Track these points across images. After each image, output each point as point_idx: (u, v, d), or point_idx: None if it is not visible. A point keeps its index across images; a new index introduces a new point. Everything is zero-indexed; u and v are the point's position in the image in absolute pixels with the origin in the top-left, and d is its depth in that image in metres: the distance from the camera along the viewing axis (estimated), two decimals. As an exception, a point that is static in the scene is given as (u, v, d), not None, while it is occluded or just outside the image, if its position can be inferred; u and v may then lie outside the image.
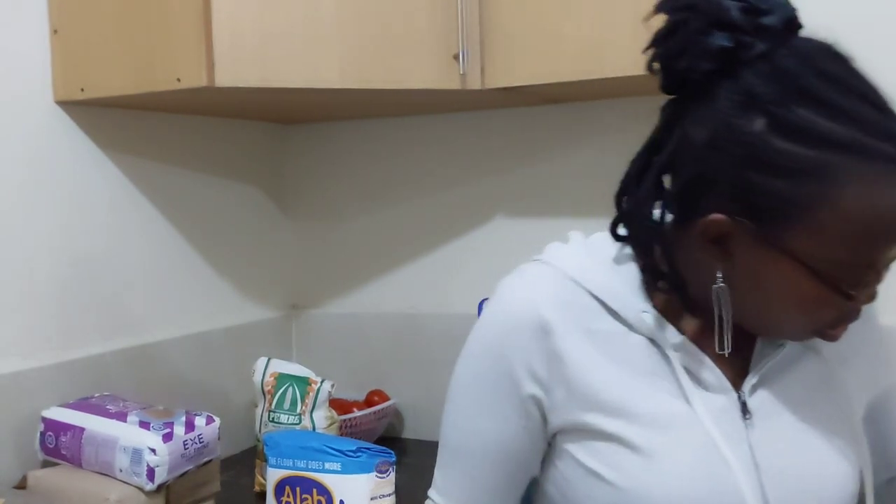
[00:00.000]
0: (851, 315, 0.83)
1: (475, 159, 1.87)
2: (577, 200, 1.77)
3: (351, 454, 1.31)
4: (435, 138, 1.90)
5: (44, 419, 1.41)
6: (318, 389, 1.57)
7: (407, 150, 1.93)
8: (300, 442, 1.36)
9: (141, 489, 1.32)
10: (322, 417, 1.57)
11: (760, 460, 0.86)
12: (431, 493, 1.00)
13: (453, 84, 1.48)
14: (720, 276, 0.83)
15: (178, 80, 1.39)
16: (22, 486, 1.37)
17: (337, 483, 1.30)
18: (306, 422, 1.56)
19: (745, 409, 0.88)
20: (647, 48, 0.87)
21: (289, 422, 1.57)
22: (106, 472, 1.35)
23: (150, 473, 1.30)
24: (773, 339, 0.90)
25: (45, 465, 1.42)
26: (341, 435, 1.64)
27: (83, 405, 1.42)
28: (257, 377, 1.63)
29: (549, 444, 0.93)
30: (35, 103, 1.49)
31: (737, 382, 0.88)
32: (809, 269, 0.77)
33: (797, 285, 0.79)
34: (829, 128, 0.75)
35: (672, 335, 0.87)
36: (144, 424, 1.34)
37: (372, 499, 1.30)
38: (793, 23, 0.85)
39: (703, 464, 0.84)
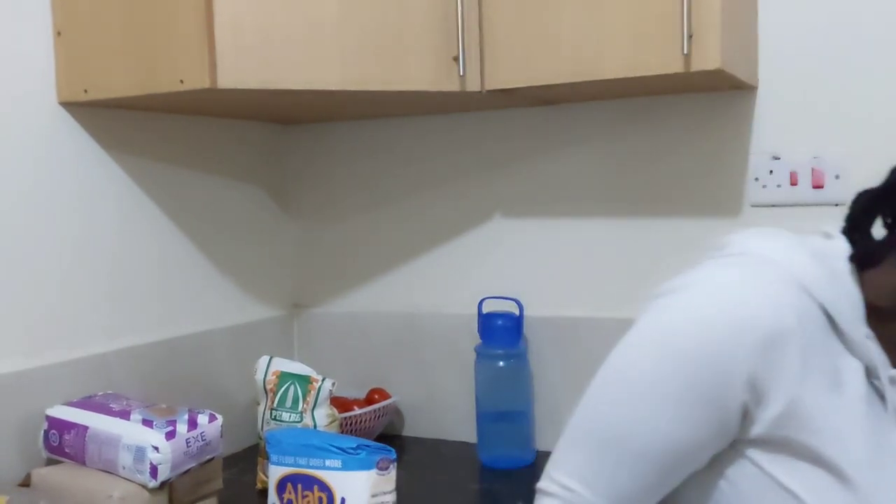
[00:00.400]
0: None
1: (475, 160, 1.87)
2: (576, 201, 1.78)
3: (352, 451, 1.32)
4: (435, 139, 1.91)
5: (47, 417, 1.42)
6: (320, 388, 1.58)
7: (407, 150, 1.94)
8: (302, 439, 1.37)
9: (144, 486, 1.32)
10: (323, 415, 1.58)
11: None
12: (567, 479, 0.90)
13: (453, 86, 1.49)
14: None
15: (181, 81, 1.40)
16: (26, 483, 1.38)
17: (338, 480, 1.31)
18: (308, 420, 1.57)
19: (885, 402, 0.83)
20: None
21: (290, 420, 1.58)
22: (109, 470, 1.35)
23: (153, 471, 1.31)
24: None
25: (49, 462, 1.43)
26: (342, 433, 1.65)
27: (87, 403, 1.43)
28: (259, 375, 1.64)
29: (729, 451, 0.87)
30: (39, 104, 1.50)
31: None
32: None
33: None
34: None
35: (888, 367, 0.83)
36: (147, 422, 1.35)
37: (373, 496, 1.31)
38: None
39: None
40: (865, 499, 0.79)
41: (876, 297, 0.84)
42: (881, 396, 0.82)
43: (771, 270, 0.83)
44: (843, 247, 0.88)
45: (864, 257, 0.85)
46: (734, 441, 0.85)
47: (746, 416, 0.83)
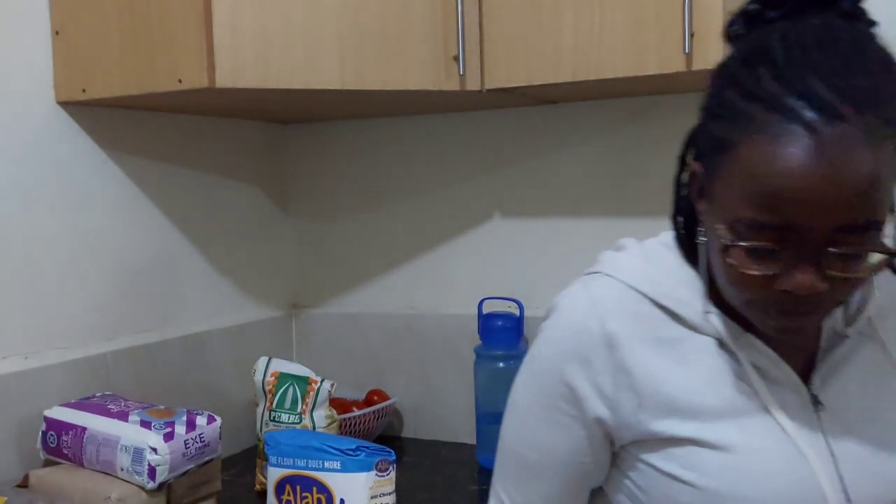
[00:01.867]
0: (776, 300, 0.79)
1: (474, 159, 1.87)
2: (576, 200, 1.78)
3: (350, 453, 1.31)
4: (434, 138, 1.91)
5: (45, 418, 1.41)
6: (319, 389, 1.58)
7: (407, 150, 1.94)
8: (300, 441, 1.36)
9: (142, 488, 1.32)
10: (322, 417, 1.57)
11: (836, 450, 0.86)
12: (501, 492, 1.00)
13: (452, 85, 1.49)
14: (701, 230, 0.86)
15: (180, 80, 1.39)
16: (24, 485, 1.38)
17: (337, 482, 1.31)
18: (307, 421, 1.56)
19: (816, 402, 0.87)
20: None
21: (289, 421, 1.57)
22: (107, 472, 1.35)
23: (152, 472, 1.31)
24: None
25: (47, 464, 1.43)
26: (341, 434, 1.64)
27: (85, 405, 1.43)
28: (258, 376, 1.63)
29: (615, 455, 0.93)
30: (37, 104, 1.49)
31: (805, 377, 0.88)
32: (726, 226, 0.78)
33: (718, 247, 0.80)
34: (764, 85, 0.75)
35: (737, 334, 0.87)
36: (146, 424, 1.35)
37: (372, 497, 1.31)
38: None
39: (780, 457, 0.84)
40: (737, 458, 0.85)
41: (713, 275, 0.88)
42: (739, 364, 0.87)
43: (605, 281, 0.91)
44: (672, 238, 0.96)
45: (682, 246, 0.92)
46: (620, 448, 0.92)
47: (606, 428, 0.90)
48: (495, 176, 1.85)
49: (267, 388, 1.61)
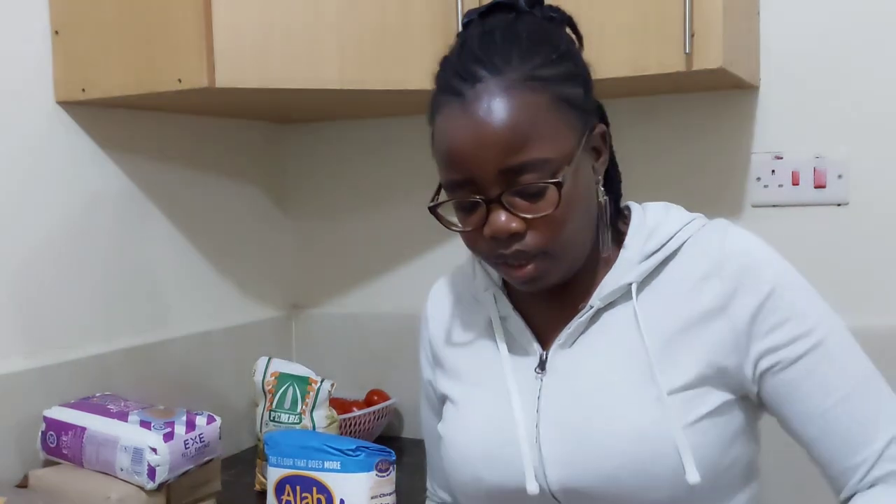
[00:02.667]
0: (493, 251, 0.92)
1: (475, 159, 1.87)
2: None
3: (350, 453, 1.31)
4: (435, 138, 1.90)
5: (45, 419, 1.41)
6: (319, 389, 1.58)
7: (406, 150, 1.94)
8: (300, 441, 1.36)
9: (142, 488, 1.32)
10: (322, 417, 1.57)
11: (542, 410, 0.94)
12: (427, 480, 1.19)
13: (453, 85, 1.48)
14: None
15: (179, 80, 1.39)
16: (23, 485, 1.38)
17: (337, 482, 1.30)
18: (306, 421, 1.56)
19: (542, 366, 0.97)
20: None
21: (289, 421, 1.57)
22: (107, 472, 1.35)
23: (151, 473, 1.31)
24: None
25: (47, 464, 1.43)
26: (341, 434, 1.64)
27: (84, 405, 1.43)
28: (258, 377, 1.63)
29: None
30: (36, 103, 1.49)
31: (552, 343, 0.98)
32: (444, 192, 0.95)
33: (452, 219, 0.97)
34: (442, 75, 0.93)
35: (504, 306, 1.01)
36: (145, 424, 1.35)
37: (372, 497, 1.30)
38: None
39: (495, 413, 0.96)
40: (464, 411, 1.01)
41: None
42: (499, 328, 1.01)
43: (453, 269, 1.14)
44: None
45: None
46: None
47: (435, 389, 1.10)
48: (495, 176, 1.85)
49: (267, 388, 1.61)
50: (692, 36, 1.33)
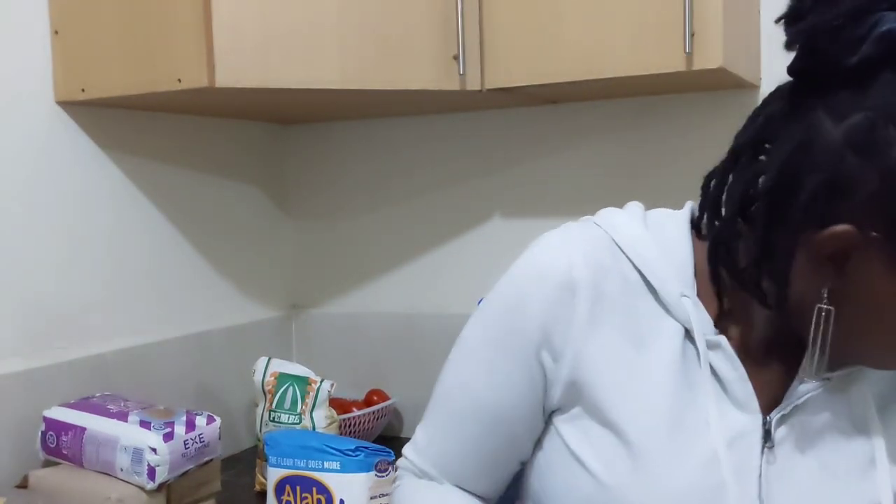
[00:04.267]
0: None
1: (474, 159, 1.87)
2: (576, 200, 1.77)
3: (350, 453, 1.31)
4: (434, 138, 1.90)
5: (45, 419, 1.41)
6: (318, 389, 1.58)
7: (407, 150, 1.94)
8: (300, 441, 1.36)
9: (142, 488, 1.32)
10: (322, 417, 1.57)
11: (768, 498, 0.76)
12: (407, 449, 0.96)
13: (453, 85, 1.48)
14: (826, 294, 0.72)
15: (179, 80, 1.39)
16: (23, 485, 1.38)
17: (336, 482, 1.30)
18: (306, 421, 1.56)
19: (767, 437, 0.77)
20: (792, 19, 0.73)
21: (289, 421, 1.57)
22: (107, 472, 1.35)
23: (151, 473, 1.31)
24: (860, 365, 0.78)
25: (47, 464, 1.43)
26: (341, 434, 1.64)
27: (84, 405, 1.43)
28: (258, 377, 1.63)
29: (546, 425, 0.85)
30: (36, 103, 1.49)
31: (766, 407, 0.78)
32: None
33: None
34: None
35: (709, 329, 0.78)
36: (145, 424, 1.35)
37: (372, 498, 1.31)
38: None
39: (698, 483, 0.75)
40: (651, 467, 0.75)
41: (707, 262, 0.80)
42: (699, 363, 0.78)
43: (587, 230, 0.83)
44: (685, 215, 0.86)
45: (714, 230, 0.80)
46: (551, 415, 0.84)
47: (545, 377, 0.82)
48: (495, 176, 1.85)
49: (267, 388, 1.61)
50: (692, 35, 1.33)
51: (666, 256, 0.81)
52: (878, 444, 0.76)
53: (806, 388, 0.77)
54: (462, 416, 0.88)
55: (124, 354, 1.61)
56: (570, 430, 0.81)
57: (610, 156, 1.74)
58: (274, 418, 1.59)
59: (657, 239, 0.82)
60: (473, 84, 1.50)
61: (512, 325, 0.82)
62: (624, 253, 0.81)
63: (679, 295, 0.78)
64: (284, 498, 1.35)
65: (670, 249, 0.81)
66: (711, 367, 0.78)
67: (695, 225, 0.83)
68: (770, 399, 0.78)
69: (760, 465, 0.76)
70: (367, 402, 1.88)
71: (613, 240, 0.82)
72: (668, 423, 0.77)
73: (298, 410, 1.57)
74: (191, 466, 1.37)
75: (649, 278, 0.80)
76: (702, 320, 0.78)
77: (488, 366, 0.84)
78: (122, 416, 1.37)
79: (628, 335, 0.79)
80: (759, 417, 0.77)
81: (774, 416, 0.77)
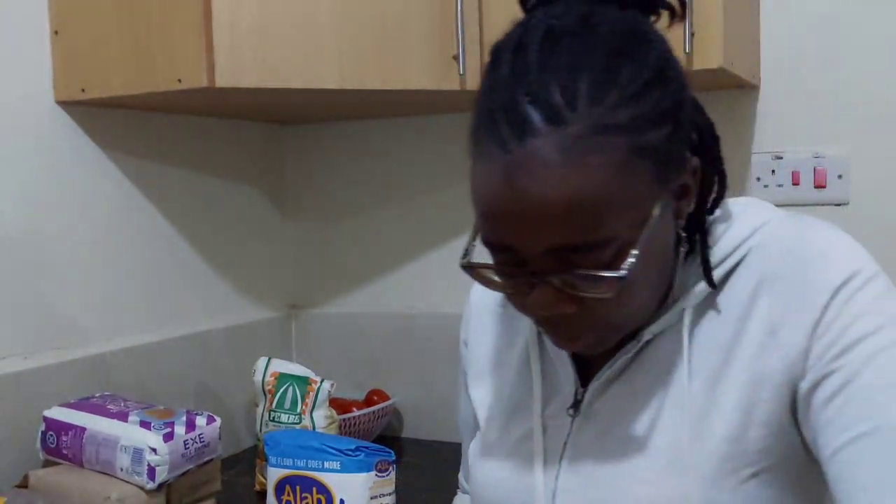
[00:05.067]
0: (523, 306, 0.74)
1: (475, 159, 1.87)
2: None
3: (350, 453, 1.31)
4: (434, 138, 1.90)
5: (45, 419, 1.41)
6: (318, 389, 1.58)
7: (406, 150, 1.94)
8: (300, 441, 1.36)
9: (142, 488, 1.32)
10: (322, 417, 1.57)
11: (566, 460, 0.81)
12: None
13: (452, 85, 1.48)
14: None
15: (179, 80, 1.39)
16: (23, 485, 1.38)
17: (337, 482, 1.30)
18: (306, 421, 1.56)
19: (576, 406, 0.82)
20: None
21: (289, 421, 1.57)
22: (107, 472, 1.35)
23: (151, 473, 1.31)
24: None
25: (47, 464, 1.43)
26: (341, 434, 1.64)
27: (84, 405, 1.43)
28: (258, 377, 1.63)
29: None
30: (36, 104, 1.49)
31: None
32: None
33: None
34: (489, 95, 0.72)
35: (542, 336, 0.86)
36: (145, 424, 1.35)
37: (372, 498, 1.31)
38: None
39: (514, 454, 0.84)
40: (484, 448, 0.88)
41: None
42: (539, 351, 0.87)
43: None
44: None
45: None
46: None
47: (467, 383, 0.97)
48: (495, 176, 1.85)
49: (267, 388, 1.61)
50: (692, 35, 1.33)
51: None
52: (667, 404, 0.77)
53: (621, 358, 0.80)
54: (461, 432, 1.05)
55: (124, 354, 1.60)
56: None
57: (610, 156, 1.74)
58: (274, 418, 1.59)
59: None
60: (473, 84, 1.49)
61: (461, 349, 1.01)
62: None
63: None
64: (284, 498, 1.35)
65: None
66: (543, 358, 0.86)
67: None
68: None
69: (570, 432, 0.82)
70: (367, 402, 1.88)
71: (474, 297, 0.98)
72: (506, 408, 0.88)
73: (298, 410, 1.57)
74: (191, 466, 1.37)
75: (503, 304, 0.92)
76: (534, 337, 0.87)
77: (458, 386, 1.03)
78: (122, 416, 1.37)
79: (504, 338, 0.92)
80: (573, 389, 0.83)
81: (593, 385, 0.81)
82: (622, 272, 0.68)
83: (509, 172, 0.67)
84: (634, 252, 0.68)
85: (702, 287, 0.77)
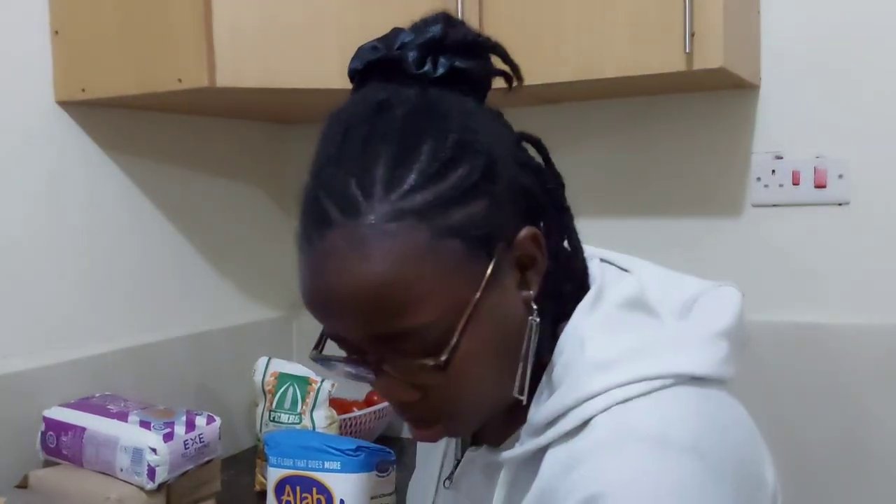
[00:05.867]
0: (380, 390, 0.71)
1: (475, 159, 1.86)
2: (577, 200, 1.77)
3: (350, 453, 1.31)
4: (435, 138, 1.90)
5: (45, 419, 1.41)
6: (319, 389, 1.57)
7: (407, 150, 1.93)
8: (300, 441, 1.36)
9: (142, 488, 1.32)
10: (322, 417, 1.57)
11: None
12: None
13: (453, 84, 1.48)
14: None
15: (179, 80, 1.39)
16: (23, 485, 1.38)
17: (337, 482, 1.30)
18: (307, 421, 1.56)
19: (451, 477, 0.83)
20: None
21: (289, 421, 1.57)
22: (107, 472, 1.35)
23: (151, 473, 1.31)
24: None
25: (47, 464, 1.43)
26: (341, 434, 1.64)
27: (84, 405, 1.43)
28: (258, 377, 1.63)
29: None
30: (36, 104, 1.49)
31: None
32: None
33: None
34: (310, 181, 0.71)
35: None
36: (145, 424, 1.35)
37: (372, 498, 1.30)
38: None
39: None
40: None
41: None
42: None
43: None
44: None
45: None
46: None
47: None
48: (495, 176, 1.84)
49: (267, 388, 1.61)
50: (692, 35, 1.33)
51: None
52: None
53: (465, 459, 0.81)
54: None
55: (124, 354, 1.60)
56: None
57: (610, 156, 1.74)
58: (274, 418, 1.58)
59: None
60: (473, 84, 1.49)
61: None
62: None
63: None
64: (284, 498, 1.35)
65: None
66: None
67: None
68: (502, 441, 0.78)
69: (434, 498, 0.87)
70: (368, 402, 1.87)
71: None
72: (425, 474, 0.92)
73: (298, 410, 1.57)
74: (191, 466, 1.37)
75: None
76: None
77: None
78: (122, 416, 1.37)
79: None
80: (454, 459, 0.85)
81: (464, 461, 0.81)
82: (441, 359, 0.65)
83: (313, 267, 0.67)
84: (454, 340, 0.65)
85: (558, 428, 0.69)
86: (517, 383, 0.69)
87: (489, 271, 0.66)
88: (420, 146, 0.65)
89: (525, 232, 0.70)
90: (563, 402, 0.68)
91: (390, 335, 0.65)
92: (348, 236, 0.64)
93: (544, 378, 0.72)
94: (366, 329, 0.65)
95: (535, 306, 0.71)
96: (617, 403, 0.66)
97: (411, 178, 0.64)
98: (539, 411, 0.70)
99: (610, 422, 0.65)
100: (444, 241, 0.64)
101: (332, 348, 0.73)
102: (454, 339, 0.65)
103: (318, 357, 0.72)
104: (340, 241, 0.64)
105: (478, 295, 0.66)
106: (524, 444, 0.71)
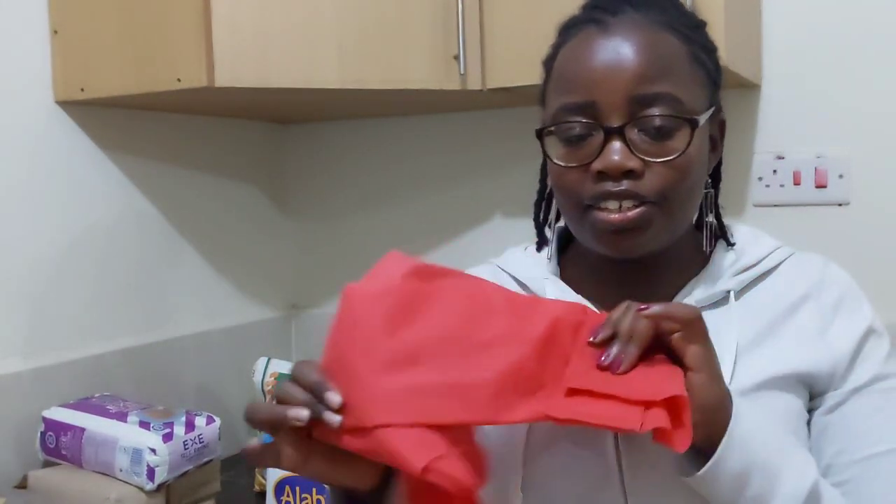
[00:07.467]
0: (597, 194, 0.82)
1: (475, 159, 1.86)
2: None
3: (351, 454, 1.31)
4: (435, 138, 1.90)
5: (44, 419, 1.41)
6: (318, 389, 1.57)
7: (407, 150, 1.93)
8: (300, 442, 1.36)
9: (141, 489, 1.32)
10: (322, 417, 1.57)
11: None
12: None
13: (453, 84, 1.48)
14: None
15: (178, 79, 1.39)
16: (22, 485, 1.37)
17: (337, 483, 1.30)
18: (306, 421, 1.56)
19: None
20: None
21: (289, 421, 1.57)
22: (106, 472, 1.35)
23: (151, 473, 1.31)
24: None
25: (46, 464, 1.42)
26: (341, 435, 1.64)
27: (83, 405, 1.42)
28: (257, 377, 1.63)
29: None
30: (35, 103, 1.49)
31: None
32: (549, 130, 0.88)
33: (550, 168, 0.91)
34: (581, 12, 0.90)
35: (573, 299, 0.90)
36: (144, 424, 1.34)
37: (372, 498, 1.30)
38: None
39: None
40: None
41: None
42: None
43: (487, 263, 1.03)
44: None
45: (539, 245, 1.02)
46: None
47: None
48: (496, 175, 1.85)
49: (266, 388, 1.61)
50: (693, 35, 1.32)
51: (530, 261, 1.00)
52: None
53: None
54: None
55: (123, 355, 1.60)
56: None
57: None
58: (274, 418, 1.58)
59: (527, 256, 1.02)
60: (474, 84, 1.49)
61: None
62: (503, 269, 1.00)
63: (542, 279, 0.95)
64: (284, 498, 1.35)
65: (536, 261, 1.00)
66: None
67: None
68: None
69: None
70: (367, 402, 1.87)
71: (496, 264, 1.01)
72: None
73: (298, 411, 1.57)
74: (190, 467, 1.37)
75: (518, 276, 0.97)
76: (566, 296, 0.92)
77: None
78: (122, 417, 1.37)
79: None
80: None
81: None
82: (694, 117, 0.81)
83: (606, 32, 0.83)
84: (690, 131, 0.81)
85: (744, 277, 0.88)
86: (706, 237, 0.90)
87: (712, 109, 0.85)
88: (686, 10, 0.89)
89: (722, 115, 0.89)
90: (756, 254, 0.90)
91: (649, 96, 0.80)
92: (641, 17, 0.84)
93: (720, 245, 0.92)
94: (631, 86, 0.80)
95: (709, 180, 0.89)
96: (792, 255, 0.92)
97: (682, 18, 0.87)
98: (740, 259, 0.90)
99: (804, 255, 0.92)
100: (696, 62, 0.84)
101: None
102: (690, 131, 0.81)
103: (560, 120, 0.86)
104: (634, 17, 0.84)
105: (708, 114, 0.84)
106: (717, 287, 0.88)
